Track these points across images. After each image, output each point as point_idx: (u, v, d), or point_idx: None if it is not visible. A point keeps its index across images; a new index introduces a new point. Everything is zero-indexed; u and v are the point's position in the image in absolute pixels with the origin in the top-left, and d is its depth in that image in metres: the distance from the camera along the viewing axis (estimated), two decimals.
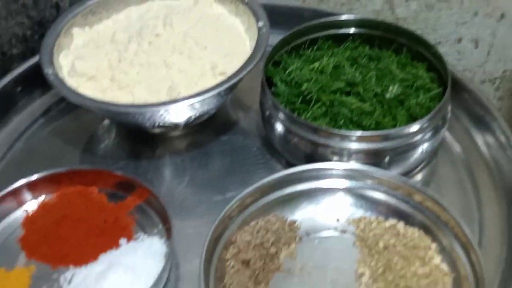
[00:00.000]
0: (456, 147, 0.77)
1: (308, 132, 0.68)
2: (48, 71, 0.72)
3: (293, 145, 0.71)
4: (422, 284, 0.59)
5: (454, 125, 0.78)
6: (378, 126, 0.68)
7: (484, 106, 0.76)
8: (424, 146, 0.69)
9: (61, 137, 0.82)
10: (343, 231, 0.66)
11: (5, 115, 0.83)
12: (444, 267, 0.61)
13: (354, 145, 0.66)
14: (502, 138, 0.73)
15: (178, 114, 0.71)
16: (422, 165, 0.74)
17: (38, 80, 0.76)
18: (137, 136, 0.80)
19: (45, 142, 0.82)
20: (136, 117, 0.71)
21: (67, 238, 0.65)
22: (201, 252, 0.59)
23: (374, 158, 0.67)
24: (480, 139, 0.76)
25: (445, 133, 0.77)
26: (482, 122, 0.76)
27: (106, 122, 0.83)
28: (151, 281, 0.59)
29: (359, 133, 0.66)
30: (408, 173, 0.71)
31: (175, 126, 0.75)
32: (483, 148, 0.75)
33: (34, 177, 0.70)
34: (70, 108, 0.85)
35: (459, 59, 1.05)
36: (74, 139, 0.81)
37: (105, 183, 0.71)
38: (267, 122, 0.74)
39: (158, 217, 0.68)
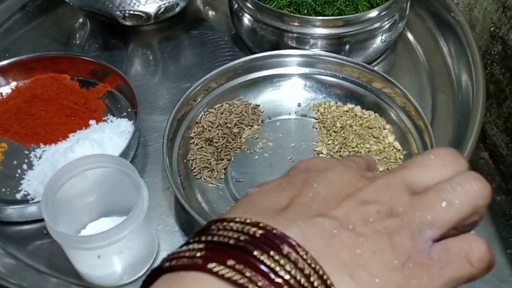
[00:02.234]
0: (416, 45, 0.72)
1: (273, 19, 0.63)
2: None
3: (259, 35, 0.66)
4: (376, 159, 0.56)
5: (415, 24, 0.73)
6: (340, 15, 0.63)
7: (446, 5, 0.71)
8: (383, 36, 0.64)
9: (38, 32, 0.77)
10: (304, 115, 0.63)
11: None
12: (397, 145, 0.58)
13: (317, 30, 0.61)
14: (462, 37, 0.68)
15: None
16: (381, 58, 0.70)
17: None
18: (110, 30, 0.75)
19: (22, 36, 0.76)
20: (106, 3, 0.65)
21: (38, 117, 0.61)
22: (164, 129, 0.55)
23: (335, 45, 0.63)
24: (439, 38, 0.72)
25: (407, 34, 0.73)
26: (443, 21, 0.71)
27: (81, 18, 0.78)
28: (117, 155, 0.55)
29: (321, 17, 0.61)
30: (368, 64, 0.67)
31: (147, 17, 0.69)
32: (443, 46, 0.71)
33: (6, 61, 0.65)
34: (46, 5, 0.79)
35: None
36: (50, 35, 0.76)
37: (77, 70, 0.66)
38: (235, 15, 0.69)
39: (128, 102, 0.64)
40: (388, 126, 0.59)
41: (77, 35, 0.76)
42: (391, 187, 0.27)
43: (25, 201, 0.55)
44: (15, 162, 0.58)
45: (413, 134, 0.57)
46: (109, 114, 0.63)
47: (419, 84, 0.66)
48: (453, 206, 0.27)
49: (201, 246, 0.26)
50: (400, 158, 0.57)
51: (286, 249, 0.24)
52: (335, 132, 0.59)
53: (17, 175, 0.57)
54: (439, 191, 0.27)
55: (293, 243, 0.25)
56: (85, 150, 0.55)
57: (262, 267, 0.24)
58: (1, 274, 0.50)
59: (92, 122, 0.61)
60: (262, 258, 0.24)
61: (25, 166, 0.58)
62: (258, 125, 0.62)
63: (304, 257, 0.24)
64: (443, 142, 0.58)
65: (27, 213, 0.53)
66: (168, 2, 0.67)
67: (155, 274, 0.27)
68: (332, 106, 0.62)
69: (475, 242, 0.28)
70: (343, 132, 0.59)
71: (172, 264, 0.26)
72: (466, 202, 0.27)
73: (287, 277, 0.24)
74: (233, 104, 0.63)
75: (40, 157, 0.58)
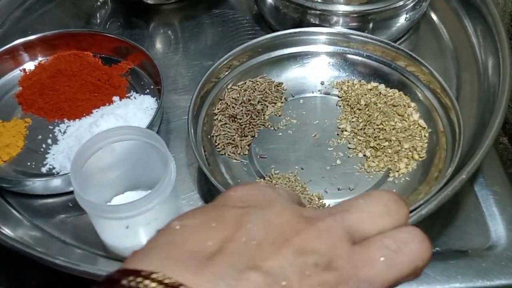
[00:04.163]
0: (440, 25, 0.71)
1: None
2: None
3: (282, 12, 0.66)
4: (400, 137, 0.56)
5: (439, 4, 0.73)
6: None
7: None
8: (406, 14, 0.64)
9: (59, 11, 0.77)
10: (327, 93, 0.62)
11: None
12: (422, 123, 0.57)
13: (340, 8, 0.61)
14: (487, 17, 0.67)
15: None
16: (405, 37, 0.69)
17: None
18: (131, 9, 0.75)
19: (43, 14, 0.76)
20: None
21: (62, 93, 0.61)
22: (188, 106, 0.55)
23: (359, 23, 0.63)
24: (464, 17, 0.71)
25: (431, 14, 0.72)
26: (467, 1, 0.70)
27: None
28: None
29: None
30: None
31: None
32: (467, 25, 0.70)
33: (30, 37, 0.65)
34: None
35: None
36: (71, 14, 0.76)
37: (99, 48, 0.67)
38: None
39: (150, 79, 0.64)
40: (412, 104, 0.59)
41: (98, 14, 0.76)
42: (332, 233, 0.25)
43: (50, 174, 0.55)
44: (39, 137, 0.59)
45: (439, 112, 0.57)
46: (132, 91, 0.63)
47: (443, 63, 0.66)
48: (394, 267, 0.25)
49: None
50: (425, 136, 0.56)
51: None
52: (359, 109, 0.59)
53: (42, 149, 0.57)
54: (381, 247, 0.25)
55: None
56: (110, 124, 0.55)
57: None
58: (28, 244, 0.50)
59: (115, 98, 0.61)
60: None
61: (49, 141, 0.58)
62: (282, 102, 0.61)
63: None
64: (468, 121, 0.57)
65: (52, 186, 0.54)
66: None
67: None
68: (355, 84, 0.62)
69: None
70: (368, 110, 0.59)
71: None
72: (407, 263, 0.25)
73: None
74: (256, 81, 0.63)
75: (64, 132, 0.59)
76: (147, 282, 0.21)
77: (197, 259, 0.23)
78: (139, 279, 0.22)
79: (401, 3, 0.62)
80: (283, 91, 0.62)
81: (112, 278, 0.22)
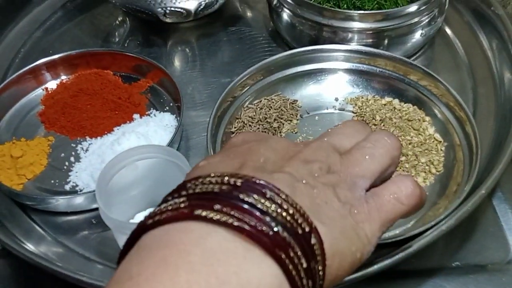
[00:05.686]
0: (455, 40, 0.72)
1: (313, 14, 0.64)
2: None
3: (298, 30, 0.67)
4: (417, 151, 0.56)
5: (454, 19, 0.74)
6: (379, 9, 0.64)
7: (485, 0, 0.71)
8: (422, 30, 0.65)
9: (78, 30, 0.79)
10: (342, 109, 0.63)
11: (27, 5, 0.79)
12: (438, 137, 0.58)
13: (356, 25, 0.62)
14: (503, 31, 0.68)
15: None
16: (420, 53, 0.70)
17: None
18: (149, 27, 0.77)
19: (63, 33, 0.78)
20: (149, 0, 0.67)
21: (83, 111, 0.63)
22: (207, 126, 0.57)
23: (374, 39, 0.64)
24: (479, 32, 0.71)
25: (446, 29, 0.73)
26: (482, 16, 0.71)
27: (120, 16, 0.80)
28: None
29: (360, 12, 0.62)
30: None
31: (187, 14, 0.71)
32: (482, 40, 0.71)
33: (53, 57, 0.67)
34: (85, 3, 0.82)
35: None
36: (90, 33, 0.78)
37: (119, 66, 0.68)
38: (274, 11, 0.70)
39: (170, 96, 0.66)
40: (427, 118, 0.60)
41: (116, 33, 0.78)
42: (323, 149, 0.32)
43: (73, 192, 0.57)
44: (62, 154, 0.60)
45: (454, 125, 0.58)
46: (152, 108, 0.65)
47: (459, 78, 0.66)
48: (376, 159, 0.32)
49: (183, 199, 0.26)
50: (441, 150, 0.57)
51: (268, 193, 0.26)
52: (375, 125, 0.60)
53: (65, 167, 0.59)
54: (361, 148, 0.33)
55: (275, 189, 0.27)
56: (132, 142, 0.57)
57: (250, 208, 0.26)
58: (49, 259, 0.51)
59: (136, 116, 0.63)
60: (248, 200, 0.26)
61: (72, 159, 0.59)
62: (297, 119, 0.63)
63: (286, 199, 0.27)
64: (485, 136, 0.58)
65: (75, 203, 0.55)
66: None
67: (137, 234, 0.27)
68: (370, 100, 0.63)
69: (401, 182, 0.32)
70: (383, 125, 0.60)
71: (156, 220, 0.26)
72: (385, 154, 0.33)
73: (274, 215, 0.26)
74: (272, 99, 0.64)
75: (87, 150, 0.60)
76: (208, 178, 0.27)
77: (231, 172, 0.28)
78: (200, 179, 0.28)
79: (416, 19, 0.63)
80: (298, 108, 0.63)
81: (177, 187, 0.28)
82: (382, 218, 0.31)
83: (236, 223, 0.25)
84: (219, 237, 0.25)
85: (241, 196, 0.26)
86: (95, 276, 0.48)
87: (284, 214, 0.26)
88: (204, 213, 0.25)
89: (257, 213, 0.25)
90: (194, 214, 0.25)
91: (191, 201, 0.26)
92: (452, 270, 0.51)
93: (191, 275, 0.23)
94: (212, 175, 0.27)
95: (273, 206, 0.26)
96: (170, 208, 0.26)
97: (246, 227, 0.25)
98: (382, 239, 0.46)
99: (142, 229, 0.26)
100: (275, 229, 0.25)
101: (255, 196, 0.26)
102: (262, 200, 0.26)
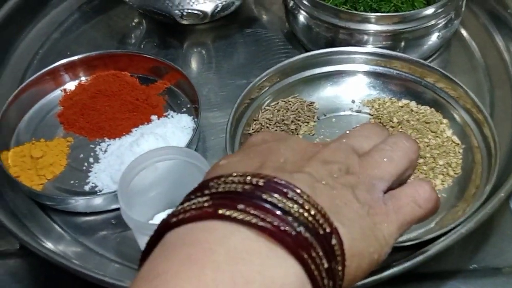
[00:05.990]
0: (471, 42, 0.72)
1: (330, 16, 0.64)
2: None
3: (314, 32, 0.67)
4: (435, 153, 0.57)
5: (470, 21, 0.74)
6: (396, 12, 0.64)
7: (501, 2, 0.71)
8: (438, 33, 0.65)
9: (95, 31, 0.79)
10: (359, 111, 0.64)
11: (44, 7, 0.80)
12: (455, 139, 0.58)
13: (373, 27, 0.62)
14: None
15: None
16: (436, 55, 0.70)
17: None
18: (166, 29, 0.77)
19: (80, 35, 0.79)
20: (166, 2, 0.67)
21: (102, 112, 0.64)
22: (225, 127, 0.57)
23: (391, 42, 0.64)
24: (495, 34, 0.71)
25: (462, 31, 0.73)
26: (498, 17, 0.71)
27: (136, 18, 0.80)
28: None
29: (377, 14, 0.62)
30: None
31: (203, 16, 0.71)
32: (499, 42, 0.70)
33: (72, 58, 0.67)
34: (102, 5, 0.82)
35: None
36: (106, 34, 0.79)
37: (136, 68, 0.69)
38: (291, 13, 0.70)
39: (187, 98, 0.66)
40: (445, 121, 0.60)
41: (133, 34, 0.79)
42: (342, 150, 0.32)
43: (93, 192, 0.57)
44: (81, 155, 0.61)
45: (472, 127, 0.58)
46: (169, 109, 0.65)
47: (475, 80, 0.66)
48: (394, 161, 0.32)
49: (206, 198, 0.27)
50: (459, 152, 0.57)
51: (290, 193, 0.27)
52: (392, 127, 0.60)
53: (84, 167, 0.60)
54: (379, 150, 0.33)
55: (296, 189, 0.27)
56: (150, 144, 0.57)
57: (272, 208, 0.26)
58: (69, 258, 0.52)
59: (153, 117, 0.63)
60: (271, 200, 0.26)
61: (91, 159, 0.60)
62: (314, 121, 0.63)
63: (308, 199, 0.27)
64: (502, 138, 0.58)
65: (94, 204, 0.55)
66: (225, 1, 0.69)
67: (160, 232, 0.27)
68: (386, 102, 0.63)
69: (419, 186, 0.33)
70: (401, 127, 0.60)
71: (180, 218, 0.26)
72: (403, 156, 0.33)
73: (296, 215, 0.26)
74: (289, 101, 0.64)
75: (105, 151, 0.61)
76: (230, 178, 0.28)
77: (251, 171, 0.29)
78: (222, 178, 0.28)
79: (433, 22, 0.63)
80: (315, 110, 0.64)
81: (199, 185, 0.29)
82: (400, 220, 0.31)
83: (260, 223, 0.25)
84: (242, 237, 0.25)
85: (264, 196, 0.26)
86: (115, 275, 0.49)
87: (306, 214, 0.26)
88: (228, 213, 0.26)
89: (280, 213, 0.26)
90: (218, 213, 0.26)
91: (214, 200, 0.27)
92: (469, 273, 0.51)
93: (217, 273, 0.24)
94: (234, 174, 0.28)
95: (295, 207, 0.26)
96: (193, 207, 0.27)
97: (269, 227, 0.25)
98: (401, 241, 0.47)
99: (166, 227, 0.27)
100: (298, 229, 0.26)
101: (277, 196, 0.26)
102: (284, 200, 0.26)
